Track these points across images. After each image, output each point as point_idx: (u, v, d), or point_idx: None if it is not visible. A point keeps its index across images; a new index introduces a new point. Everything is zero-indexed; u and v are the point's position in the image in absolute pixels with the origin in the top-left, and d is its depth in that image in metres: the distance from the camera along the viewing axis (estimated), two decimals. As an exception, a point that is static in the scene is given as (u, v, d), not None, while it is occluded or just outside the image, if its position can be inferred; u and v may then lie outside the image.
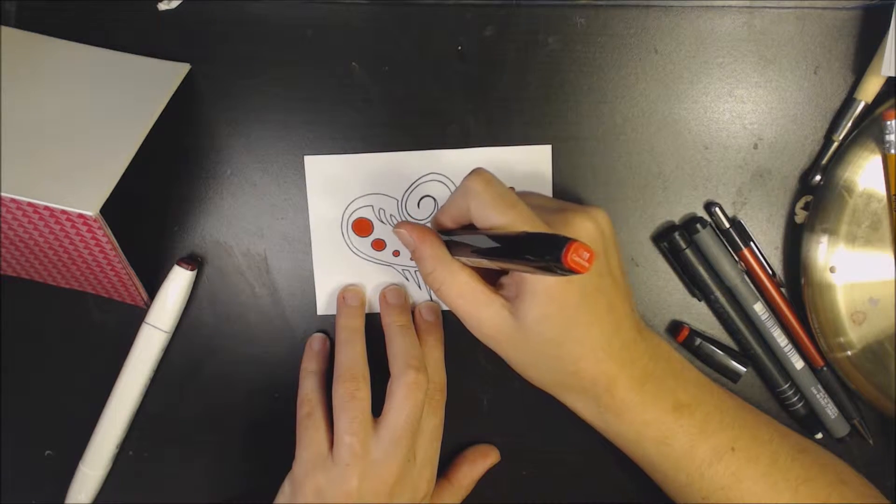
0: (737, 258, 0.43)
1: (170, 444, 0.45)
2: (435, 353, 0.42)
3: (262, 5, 0.41)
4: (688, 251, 0.42)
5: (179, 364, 0.44)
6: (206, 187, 0.43)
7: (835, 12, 0.41)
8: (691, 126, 0.42)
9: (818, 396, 0.43)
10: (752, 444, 0.38)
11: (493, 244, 0.33)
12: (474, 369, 0.44)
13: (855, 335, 0.41)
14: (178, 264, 0.42)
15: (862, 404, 0.44)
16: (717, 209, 0.42)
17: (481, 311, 0.36)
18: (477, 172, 0.35)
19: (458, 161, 0.42)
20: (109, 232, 0.35)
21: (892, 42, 0.38)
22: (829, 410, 0.43)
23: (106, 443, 0.44)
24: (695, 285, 0.43)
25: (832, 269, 0.41)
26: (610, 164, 0.42)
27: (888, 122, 0.38)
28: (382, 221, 0.43)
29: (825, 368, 0.43)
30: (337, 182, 0.42)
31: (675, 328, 0.44)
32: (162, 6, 0.41)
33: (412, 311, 0.43)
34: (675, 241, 0.42)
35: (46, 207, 0.34)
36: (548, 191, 0.42)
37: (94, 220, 0.34)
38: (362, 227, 0.43)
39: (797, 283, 0.42)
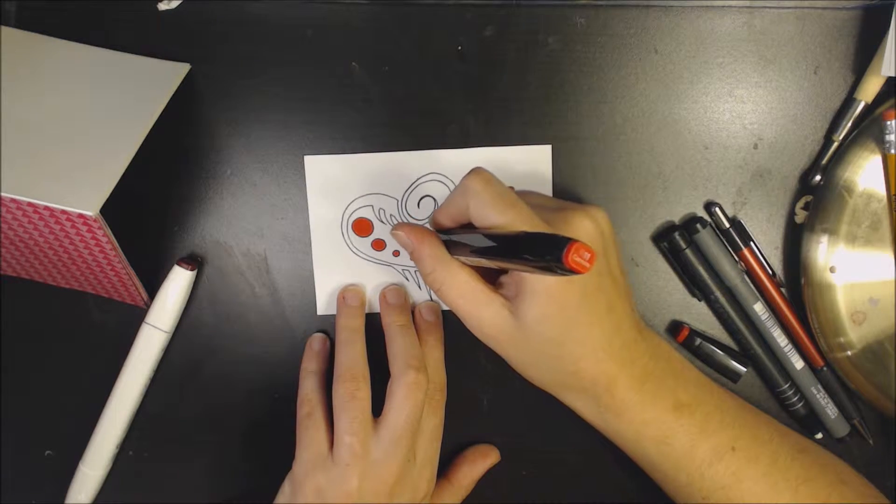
0: (737, 258, 0.43)
1: (170, 444, 0.45)
2: (435, 353, 0.42)
3: (262, 5, 0.41)
4: (688, 251, 0.42)
5: (179, 364, 0.44)
6: (206, 187, 0.43)
7: (835, 12, 0.41)
8: (691, 126, 0.42)
9: (818, 396, 0.43)
10: (752, 443, 0.38)
11: (492, 243, 0.33)
12: (474, 369, 0.44)
13: (855, 335, 0.41)
14: (178, 264, 0.42)
15: (862, 404, 0.44)
16: (717, 209, 0.42)
17: (481, 310, 0.36)
18: (476, 172, 0.35)
19: (457, 161, 0.42)
20: (109, 232, 0.35)
21: (892, 42, 0.38)
22: (829, 410, 0.43)
23: (106, 443, 0.44)
24: (695, 285, 0.43)
25: (832, 269, 0.41)
26: (610, 164, 0.42)
27: (888, 122, 0.38)
28: (382, 221, 0.43)
29: (825, 368, 0.43)
30: (337, 182, 0.42)
31: (675, 328, 0.44)
32: (162, 6, 0.41)
33: (412, 311, 0.43)
34: (675, 241, 0.42)
35: (46, 207, 0.34)
36: (548, 191, 0.42)
37: (94, 220, 0.34)
38: (362, 227, 0.43)
39: (797, 283, 0.42)
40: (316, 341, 0.43)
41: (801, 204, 0.43)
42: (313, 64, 0.41)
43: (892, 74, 0.39)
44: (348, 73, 0.42)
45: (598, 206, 0.37)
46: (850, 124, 0.41)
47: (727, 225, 0.42)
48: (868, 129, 0.40)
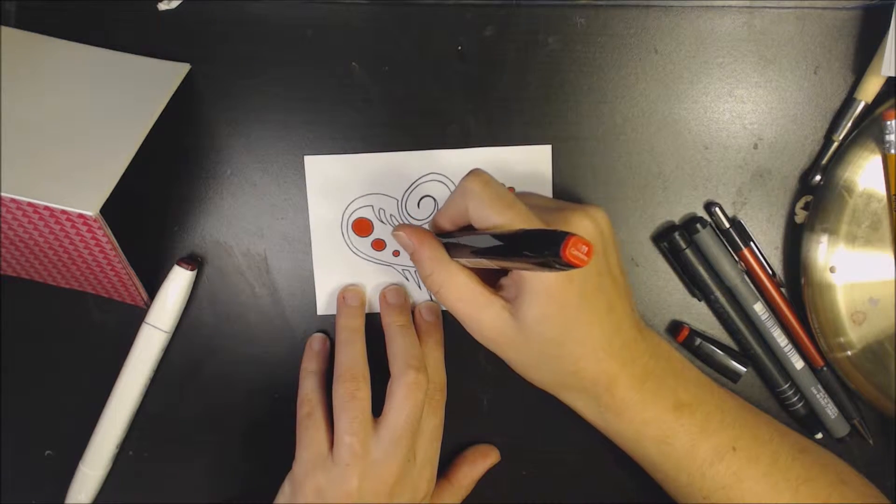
0: (737, 258, 0.43)
1: (170, 444, 0.45)
2: (435, 353, 0.42)
3: (262, 5, 0.41)
4: (688, 251, 0.42)
5: (179, 364, 0.44)
6: (206, 187, 0.43)
7: (835, 12, 0.41)
8: (691, 126, 0.42)
9: (818, 396, 0.43)
10: (752, 443, 0.38)
11: (492, 243, 0.33)
12: (474, 369, 0.44)
13: (855, 335, 0.41)
14: (178, 264, 0.42)
15: (862, 404, 0.44)
16: (717, 209, 0.42)
17: (481, 312, 0.36)
18: (474, 173, 0.35)
19: (458, 161, 0.42)
20: (109, 232, 0.35)
21: (892, 42, 0.38)
22: (829, 410, 0.43)
23: (106, 443, 0.44)
24: (695, 285, 0.43)
25: (832, 269, 0.41)
26: (610, 164, 0.42)
27: (888, 122, 0.38)
28: (382, 221, 0.43)
29: (825, 368, 0.43)
30: (337, 182, 0.42)
31: (675, 328, 0.44)
32: (162, 6, 0.41)
33: (412, 311, 0.43)
34: (675, 241, 0.42)
35: (46, 207, 0.34)
36: (548, 191, 0.42)
37: (94, 220, 0.34)
38: (362, 227, 0.43)
39: (797, 283, 0.42)
40: (316, 341, 0.43)
41: (801, 204, 0.43)
42: (313, 64, 0.41)
43: (892, 74, 0.39)
44: (348, 73, 0.42)
45: (598, 206, 0.37)
46: (850, 124, 0.41)
47: (727, 225, 0.42)
48: (868, 129, 0.40)
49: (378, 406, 0.39)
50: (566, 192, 0.43)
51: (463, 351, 0.44)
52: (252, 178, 0.43)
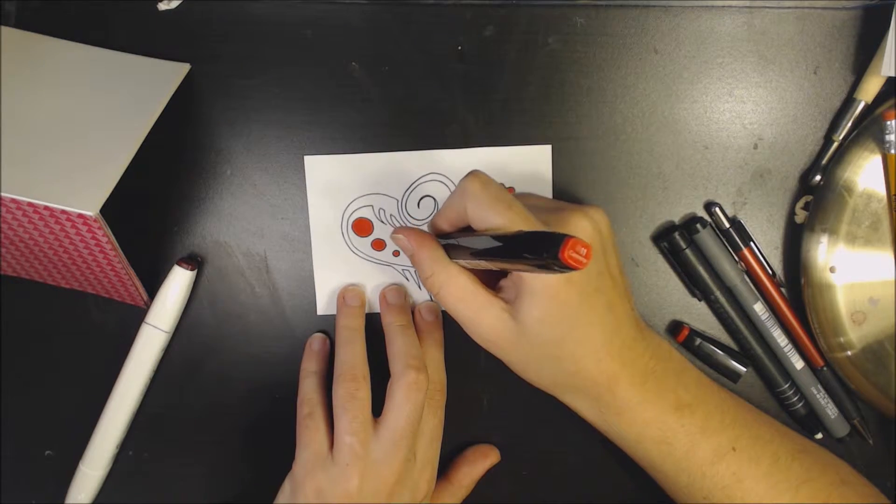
0: (737, 258, 0.43)
1: (170, 444, 0.45)
2: (435, 353, 0.42)
3: (262, 5, 0.41)
4: (688, 251, 0.42)
5: (179, 364, 0.44)
6: (206, 187, 0.43)
7: (835, 12, 0.41)
8: (691, 126, 0.42)
9: (818, 396, 0.43)
10: (753, 443, 0.38)
11: (491, 245, 0.33)
12: (474, 369, 0.44)
13: (855, 335, 0.41)
14: (178, 264, 0.42)
15: (862, 404, 0.44)
16: (717, 209, 0.42)
17: (481, 314, 0.36)
18: (473, 174, 0.35)
19: (457, 161, 0.42)
20: (109, 232, 0.35)
21: (892, 42, 0.38)
22: (829, 410, 0.43)
23: (106, 443, 0.44)
24: (695, 285, 0.43)
25: (832, 269, 0.41)
26: (610, 164, 0.42)
27: (888, 122, 0.38)
28: (382, 221, 0.43)
29: (825, 368, 0.43)
30: (337, 182, 0.42)
31: (675, 328, 0.44)
32: (162, 6, 0.41)
33: (412, 311, 0.43)
34: (675, 241, 0.42)
35: (46, 207, 0.34)
36: (548, 191, 0.42)
37: (94, 220, 0.34)
38: (362, 227, 0.43)
39: (797, 283, 0.42)
40: (316, 341, 0.43)
41: (801, 204, 0.43)
42: (313, 64, 0.41)
43: (892, 74, 0.39)
44: (348, 73, 0.42)
45: (597, 207, 0.37)
46: (850, 124, 0.41)
47: (727, 225, 0.42)
48: (868, 129, 0.40)
49: (378, 406, 0.39)
50: (566, 192, 0.43)
51: (463, 351, 0.44)
52: (252, 178, 0.43)
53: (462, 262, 0.36)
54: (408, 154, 0.42)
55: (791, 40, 0.41)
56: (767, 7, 0.41)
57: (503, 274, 0.37)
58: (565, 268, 0.27)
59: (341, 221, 0.43)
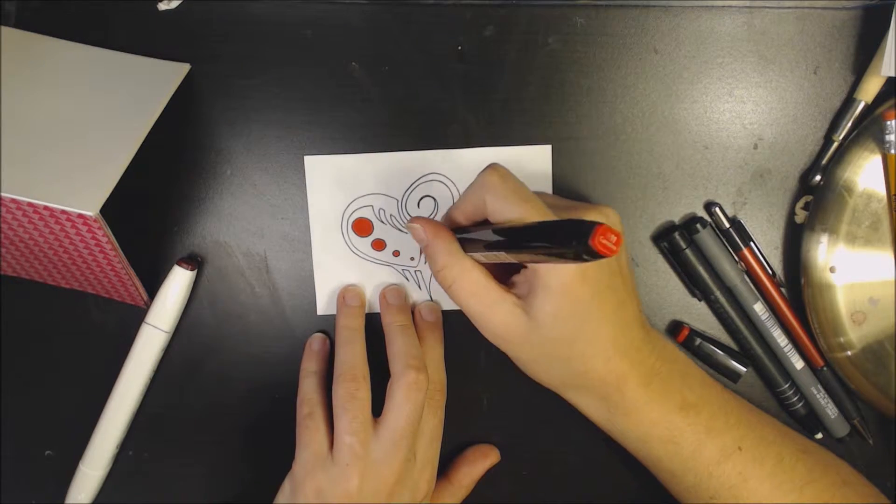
0: (737, 258, 0.43)
1: (170, 444, 0.45)
2: (435, 353, 0.42)
3: (262, 5, 0.41)
4: (688, 251, 0.42)
5: (179, 364, 0.44)
6: (206, 187, 0.43)
7: (835, 12, 0.41)
8: (691, 126, 0.42)
9: (818, 396, 0.43)
10: (758, 444, 0.38)
11: (511, 236, 0.33)
12: (474, 369, 0.44)
13: (855, 335, 0.41)
14: (178, 264, 0.42)
15: (862, 404, 0.44)
16: (717, 209, 0.42)
17: (493, 309, 0.36)
18: (493, 167, 0.36)
19: (457, 161, 0.42)
20: (109, 232, 0.35)
21: (892, 42, 0.38)
22: (829, 410, 0.43)
23: (106, 443, 0.44)
24: (695, 285, 0.43)
25: (832, 269, 0.41)
26: (610, 164, 0.42)
27: (888, 122, 0.38)
28: (382, 221, 0.43)
29: (825, 368, 0.43)
30: (337, 182, 0.42)
31: (675, 328, 0.44)
32: (162, 6, 0.41)
33: (412, 310, 0.43)
34: (675, 241, 0.42)
35: (46, 207, 0.34)
36: (548, 191, 0.42)
37: (94, 220, 0.34)
38: (362, 227, 0.43)
39: (797, 283, 0.42)
40: (316, 341, 0.43)
41: (801, 204, 0.43)
42: (313, 64, 0.41)
43: (892, 74, 0.39)
44: (348, 73, 0.42)
45: (609, 206, 0.37)
46: (850, 124, 0.41)
47: (727, 225, 0.42)
48: (868, 129, 0.40)
49: (378, 406, 0.39)
50: (566, 192, 0.43)
51: (463, 351, 0.44)
52: (252, 178, 0.43)
53: (476, 255, 0.36)
54: (408, 154, 0.42)
55: (791, 40, 0.41)
56: (767, 7, 0.41)
57: (515, 270, 0.37)
58: (595, 255, 0.26)
59: (341, 221, 0.43)
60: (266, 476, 0.45)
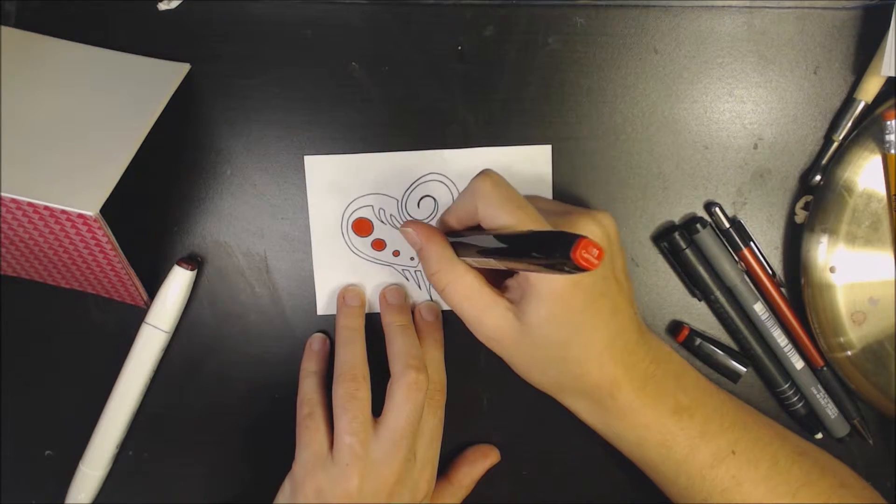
0: (737, 258, 0.43)
1: (170, 444, 0.45)
2: (435, 353, 0.42)
3: (262, 5, 0.41)
4: (688, 251, 0.42)
5: (179, 364, 0.44)
6: (206, 187, 0.43)
7: (835, 12, 0.41)
8: (691, 126, 0.42)
9: (818, 396, 0.43)
10: (752, 446, 0.38)
11: (501, 244, 0.33)
12: (474, 369, 0.44)
13: (855, 335, 0.41)
14: (178, 264, 0.42)
15: (862, 404, 0.44)
16: (717, 209, 0.42)
17: (486, 313, 0.36)
18: (485, 173, 0.36)
19: (458, 161, 0.42)
20: (109, 232, 0.35)
21: (892, 42, 0.38)
22: (829, 410, 0.43)
23: (106, 443, 0.44)
24: (695, 285, 0.43)
25: (832, 269, 0.41)
26: (610, 164, 0.42)
27: (888, 122, 0.38)
28: (382, 221, 0.43)
29: (825, 368, 0.43)
30: (337, 182, 0.42)
31: (675, 328, 0.44)
32: (162, 6, 0.41)
33: (412, 311, 0.43)
34: (675, 241, 0.42)
35: (46, 207, 0.34)
36: (548, 191, 0.42)
37: (94, 220, 0.34)
38: (362, 227, 0.43)
39: (797, 283, 0.42)
40: (316, 341, 0.43)
41: (801, 204, 0.43)
42: (313, 64, 0.41)
43: (892, 74, 0.39)
44: (348, 73, 0.42)
45: (605, 211, 0.37)
46: (850, 124, 0.41)
47: (727, 225, 0.42)
48: (868, 129, 0.40)
49: (378, 406, 0.39)
50: (566, 192, 0.43)
51: (463, 351, 0.44)
52: (252, 178, 0.43)
53: (469, 260, 0.36)
54: (408, 154, 0.42)
55: (791, 40, 0.41)
56: (767, 7, 0.41)
57: (509, 274, 0.37)
58: (576, 268, 0.27)
59: (341, 221, 0.43)
60: (266, 476, 0.45)
